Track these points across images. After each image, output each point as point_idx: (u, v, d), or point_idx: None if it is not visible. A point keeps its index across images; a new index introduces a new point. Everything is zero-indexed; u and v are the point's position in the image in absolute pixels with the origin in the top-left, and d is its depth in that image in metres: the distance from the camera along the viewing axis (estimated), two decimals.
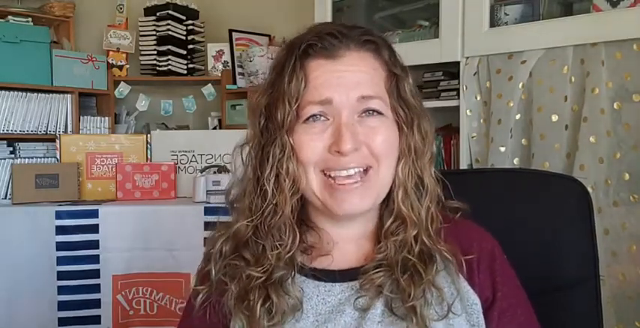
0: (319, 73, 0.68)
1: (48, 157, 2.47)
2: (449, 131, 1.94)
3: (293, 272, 0.69)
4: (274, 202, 0.69)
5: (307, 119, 0.68)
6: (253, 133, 0.72)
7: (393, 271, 0.67)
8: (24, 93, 2.48)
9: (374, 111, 0.69)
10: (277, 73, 0.71)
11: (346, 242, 0.73)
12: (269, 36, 3.06)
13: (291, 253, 0.69)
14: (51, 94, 2.58)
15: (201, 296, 0.71)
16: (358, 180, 0.68)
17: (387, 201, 0.72)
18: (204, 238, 0.80)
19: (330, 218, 0.72)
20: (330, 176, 0.68)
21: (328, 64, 0.68)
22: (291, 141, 0.68)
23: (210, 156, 2.32)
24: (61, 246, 1.86)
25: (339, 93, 0.67)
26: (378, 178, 0.69)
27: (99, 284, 1.88)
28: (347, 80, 0.68)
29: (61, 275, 1.85)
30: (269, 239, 0.69)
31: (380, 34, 0.73)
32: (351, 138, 0.66)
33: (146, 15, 2.98)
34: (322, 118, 0.68)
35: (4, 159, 2.38)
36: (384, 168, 0.69)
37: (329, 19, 2.12)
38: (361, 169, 0.68)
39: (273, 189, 0.69)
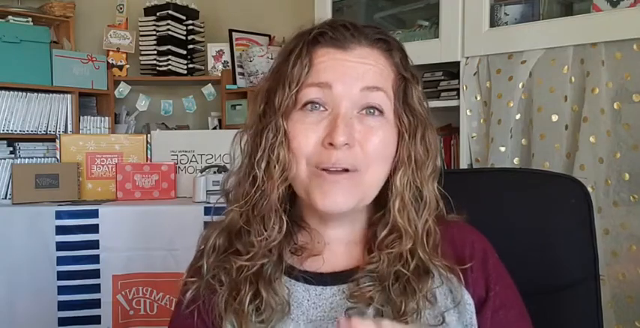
0: (325, 59, 0.66)
1: (48, 157, 2.47)
2: (449, 131, 1.94)
3: (281, 272, 0.67)
4: (263, 188, 0.67)
5: (304, 106, 0.66)
6: (252, 119, 0.70)
7: (384, 283, 0.65)
8: (24, 93, 2.48)
9: (375, 109, 0.66)
10: (283, 59, 0.69)
11: (337, 243, 0.72)
12: (269, 36, 3.06)
13: (276, 241, 0.67)
14: (51, 94, 2.57)
15: (190, 291, 0.69)
16: (345, 172, 0.65)
17: (384, 210, 0.70)
18: None
19: (318, 216, 0.71)
20: (319, 169, 0.66)
21: (337, 53, 0.66)
22: (285, 127, 0.66)
23: (210, 156, 2.32)
24: (61, 246, 1.86)
25: (342, 82, 0.65)
26: (363, 181, 0.66)
27: (99, 284, 1.88)
28: (352, 70, 0.65)
29: (61, 275, 1.85)
30: (255, 225, 0.67)
31: (394, 37, 0.72)
32: (346, 131, 0.63)
33: (146, 15, 2.98)
34: (320, 108, 0.66)
35: (4, 159, 2.38)
36: (371, 172, 0.66)
37: None
38: (349, 168, 0.66)
39: (262, 175, 0.67)
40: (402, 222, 0.67)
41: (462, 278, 0.68)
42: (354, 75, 0.65)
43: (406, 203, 0.68)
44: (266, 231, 0.67)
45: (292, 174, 0.67)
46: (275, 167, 0.66)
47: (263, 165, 0.67)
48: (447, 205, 0.72)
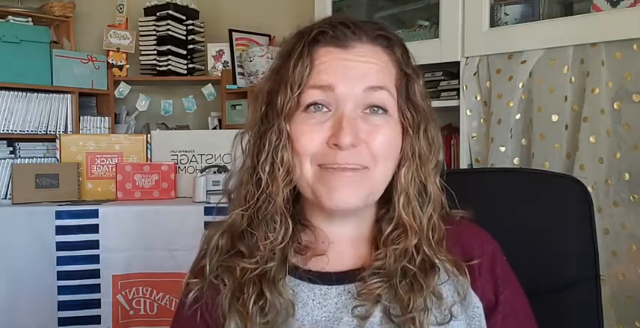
0: (326, 59, 0.65)
1: (48, 157, 2.48)
2: (449, 131, 1.94)
3: (285, 273, 0.67)
4: (268, 191, 0.66)
5: (307, 107, 0.65)
6: (253, 120, 0.70)
7: (392, 280, 0.65)
8: (24, 93, 2.48)
9: (379, 107, 0.66)
10: (284, 60, 0.68)
11: (342, 242, 0.71)
12: (269, 36, 3.07)
13: (283, 245, 0.67)
14: (51, 94, 2.58)
15: (193, 293, 0.68)
16: (351, 170, 0.65)
17: (388, 207, 0.69)
18: None
19: (324, 215, 0.70)
20: (325, 168, 0.66)
21: (338, 52, 0.66)
22: (288, 129, 0.65)
23: (210, 156, 2.32)
24: (61, 246, 1.86)
25: (344, 83, 0.64)
26: (373, 177, 0.66)
27: (99, 284, 1.88)
28: (354, 70, 0.65)
29: (61, 275, 1.85)
30: (261, 229, 0.67)
31: (394, 32, 0.71)
32: (351, 132, 0.63)
33: (146, 15, 2.98)
34: (324, 109, 0.65)
35: (4, 159, 2.38)
36: (380, 169, 0.66)
37: None
38: (357, 167, 0.66)
39: (267, 178, 0.66)
40: (406, 218, 0.67)
41: (467, 275, 0.67)
42: (356, 75, 0.65)
43: (411, 198, 0.68)
44: (272, 234, 0.66)
45: (297, 176, 0.67)
46: (279, 170, 0.66)
47: (267, 168, 0.66)
48: (450, 200, 0.72)
